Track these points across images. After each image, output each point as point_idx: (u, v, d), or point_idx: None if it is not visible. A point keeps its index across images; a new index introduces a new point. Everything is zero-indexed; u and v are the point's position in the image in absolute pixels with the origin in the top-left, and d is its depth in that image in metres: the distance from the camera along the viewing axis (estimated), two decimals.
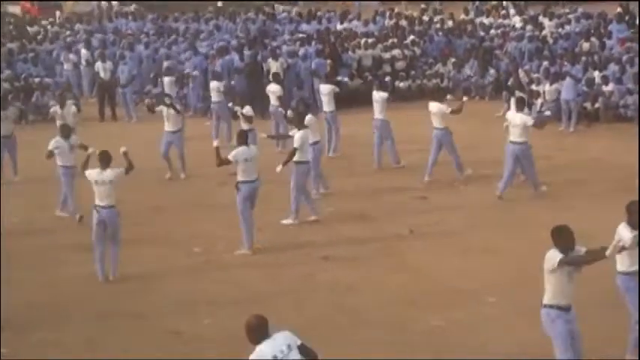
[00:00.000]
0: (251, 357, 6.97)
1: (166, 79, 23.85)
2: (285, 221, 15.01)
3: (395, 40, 27.41)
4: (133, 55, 27.13)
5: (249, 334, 7.10)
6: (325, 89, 19.61)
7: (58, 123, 17.20)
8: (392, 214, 15.43)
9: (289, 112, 18.85)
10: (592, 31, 26.69)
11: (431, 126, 17.01)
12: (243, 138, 14.04)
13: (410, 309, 11.44)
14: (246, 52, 25.43)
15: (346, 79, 24.62)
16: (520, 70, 23.48)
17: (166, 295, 12.28)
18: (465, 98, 18.47)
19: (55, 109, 18.84)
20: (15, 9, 38.44)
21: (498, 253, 13.22)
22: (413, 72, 26.51)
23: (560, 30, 27.70)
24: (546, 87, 22.23)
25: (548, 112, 19.77)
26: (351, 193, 16.79)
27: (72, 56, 27.82)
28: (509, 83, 21.97)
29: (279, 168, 14.63)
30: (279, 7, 34.15)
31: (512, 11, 30.75)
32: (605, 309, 10.39)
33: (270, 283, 12.62)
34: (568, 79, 21.86)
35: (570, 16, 28.96)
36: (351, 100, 23.30)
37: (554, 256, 8.48)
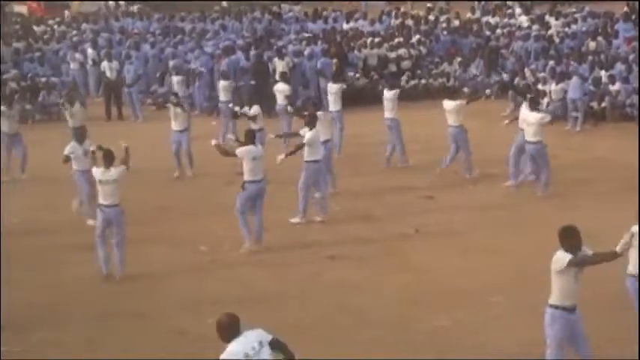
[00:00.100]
0: (222, 356, 6.93)
1: (174, 79, 23.86)
2: (293, 220, 15.02)
3: (401, 40, 27.37)
4: (139, 55, 27.14)
5: (220, 332, 7.08)
6: (333, 88, 19.56)
7: (70, 122, 17.21)
8: (397, 214, 15.41)
9: (289, 108, 18.85)
10: (598, 30, 26.64)
11: (438, 125, 17.00)
12: (251, 137, 14.04)
13: (413, 309, 11.42)
14: (252, 52, 25.43)
15: (357, 75, 24.63)
16: (526, 70, 23.45)
17: (171, 294, 12.27)
18: (487, 91, 18.46)
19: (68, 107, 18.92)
20: (21, 8, 38.53)
21: (503, 253, 13.18)
22: (419, 71, 26.50)
23: (566, 29, 27.63)
24: (552, 86, 22.19)
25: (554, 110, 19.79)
26: (357, 193, 16.78)
27: (78, 56, 27.84)
28: (515, 82, 21.95)
29: (280, 157, 14.60)
30: (285, 7, 34.13)
31: (518, 10, 30.70)
32: (609, 311, 10.34)
33: (276, 283, 12.60)
34: (575, 79, 21.82)
35: (577, 15, 28.92)
36: (357, 99, 23.28)
37: (563, 256, 8.42)
